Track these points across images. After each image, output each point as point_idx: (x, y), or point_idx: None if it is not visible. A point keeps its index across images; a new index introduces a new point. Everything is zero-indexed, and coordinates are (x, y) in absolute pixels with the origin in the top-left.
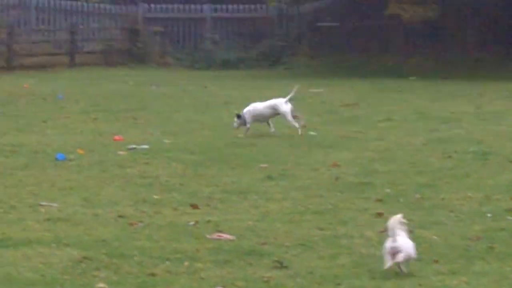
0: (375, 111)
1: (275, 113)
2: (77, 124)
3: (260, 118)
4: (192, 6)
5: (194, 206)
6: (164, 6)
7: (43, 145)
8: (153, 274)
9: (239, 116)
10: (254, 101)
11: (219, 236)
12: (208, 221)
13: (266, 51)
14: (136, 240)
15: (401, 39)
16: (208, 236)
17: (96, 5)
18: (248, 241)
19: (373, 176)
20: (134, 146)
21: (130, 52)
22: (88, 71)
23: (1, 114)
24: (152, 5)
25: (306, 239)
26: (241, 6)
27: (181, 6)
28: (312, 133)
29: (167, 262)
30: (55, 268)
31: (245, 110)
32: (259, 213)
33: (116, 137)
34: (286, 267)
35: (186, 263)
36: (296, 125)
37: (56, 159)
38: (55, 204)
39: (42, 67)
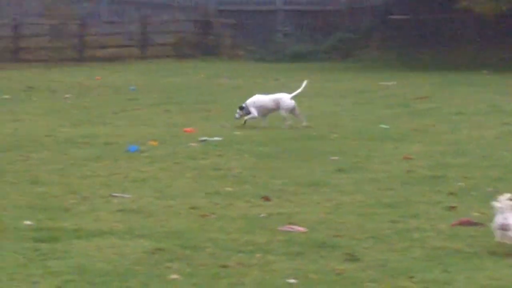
0: (446, 104)
1: (278, 107)
2: (149, 116)
3: (262, 110)
4: None
5: (266, 198)
6: None
7: (115, 136)
8: (225, 266)
9: (242, 108)
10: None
11: (291, 228)
12: (280, 213)
13: (336, 44)
14: (208, 231)
15: (473, 32)
16: (280, 228)
17: None
18: (320, 233)
19: (445, 169)
20: (206, 138)
21: (202, 44)
22: (159, 63)
23: (72, 106)
24: None
25: (378, 232)
26: None
27: None
28: (383, 126)
29: (240, 254)
30: (128, 259)
31: (249, 101)
32: (331, 205)
33: (188, 129)
34: (358, 259)
35: (258, 255)
36: (289, 122)
37: (128, 150)
38: (127, 195)
39: (113, 59)
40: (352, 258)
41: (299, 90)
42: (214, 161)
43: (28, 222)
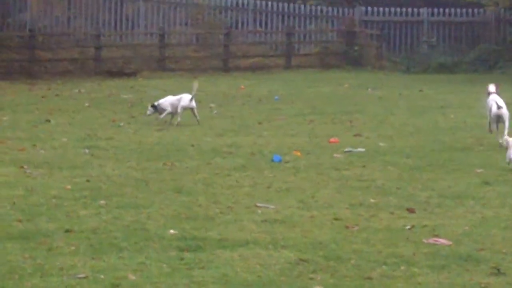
0: None
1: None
2: (292, 126)
3: (173, 108)
4: (409, 9)
5: (411, 210)
6: (381, 9)
7: (259, 146)
8: (369, 278)
9: (153, 106)
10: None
11: (436, 240)
12: (425, 226)
13: (482, 55)
14: (352, 243)
15: None
16: (424, 240)
17: (313, 7)
18: (465, 246)
19: None
20: (350, 149)
21: (346, 54)
22: (303, 73)
23: (217, 115)
24: (369, 8)
25: None
26: (458, 10)
27: (398, 9)
28: None
29: (384, 266)
30: (272, 270)
31: (161, 100)
32: (476, 218)
33: (332, 140)
34: (504, 274)
35: (402, 268)
36: (179, 119)
37: (272, 160)
38: (271, 206)
39: (258, 68)
40: (498, 272)
41: (194, 92)
42: (358, 172)
43: (172, 231)
